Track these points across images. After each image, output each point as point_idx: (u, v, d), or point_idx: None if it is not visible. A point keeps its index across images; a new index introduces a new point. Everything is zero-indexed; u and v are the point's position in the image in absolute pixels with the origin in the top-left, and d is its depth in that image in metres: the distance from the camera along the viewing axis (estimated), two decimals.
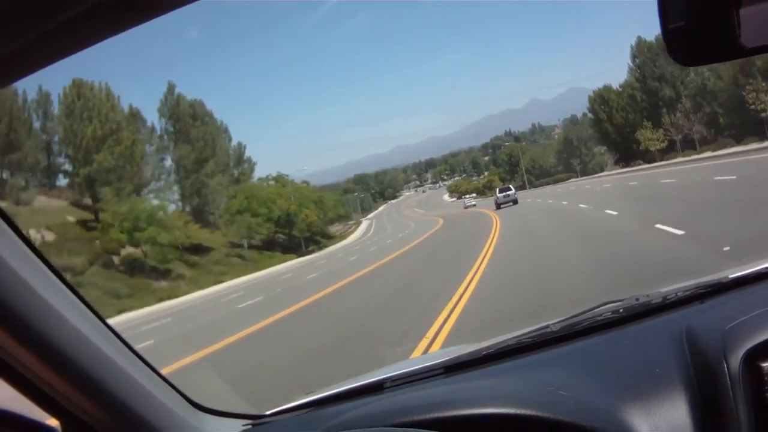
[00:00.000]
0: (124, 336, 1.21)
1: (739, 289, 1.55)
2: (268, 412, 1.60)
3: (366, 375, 1.77)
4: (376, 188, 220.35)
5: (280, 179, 63.39)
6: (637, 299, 1.61)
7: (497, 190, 51.35)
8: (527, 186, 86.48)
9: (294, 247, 55.55)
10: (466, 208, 67.22)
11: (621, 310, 1.60)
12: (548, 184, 78.67)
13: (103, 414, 1.11)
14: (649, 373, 1.22)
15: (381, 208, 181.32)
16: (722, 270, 1.70)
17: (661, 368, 1.22)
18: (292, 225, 56.56)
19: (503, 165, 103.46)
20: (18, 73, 0.86)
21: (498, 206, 42.64)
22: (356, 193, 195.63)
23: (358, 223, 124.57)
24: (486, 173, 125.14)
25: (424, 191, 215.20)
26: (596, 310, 1.63)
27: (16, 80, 0.89)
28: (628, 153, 61.28)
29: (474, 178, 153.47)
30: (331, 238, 72.94)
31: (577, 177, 71.79)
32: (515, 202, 42.22)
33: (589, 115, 71.88)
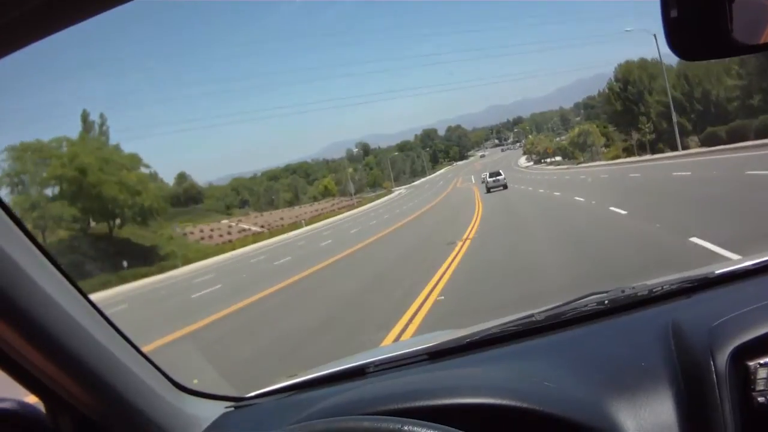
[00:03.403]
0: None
1: (725, 285, 1.48)
2: (249, 395, 1.53)
3: (349, 359, 1.72)
4: (441, 147, 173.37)
5: None
6: (623, 291, 1.55)
7: (487, 174, 46.46)
8: (679, 145, 34.56)
9: None
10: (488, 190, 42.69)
11: (606, 302, 1.53)
12: None
13: (84, 392, 1.07)
14: (635, 366, 1.18)
15: (437, 173, 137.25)
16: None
17: (646, 362, 1.18)
18: None
19: (612, 103, 49.55)
20: (9, 47, 0.82)
21: (488, 190, 40.74)
22: (409, 153, 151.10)
23: (389, 192, 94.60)
24: (576, 127, 71.27)
25: (503, 150, 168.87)
26: (581, 300, 1.56)
27: (7, 54, 0.84)
28: None
29: (560, 137, 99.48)
30: None
31: None
32: (505, 186, 39.84)
33: None
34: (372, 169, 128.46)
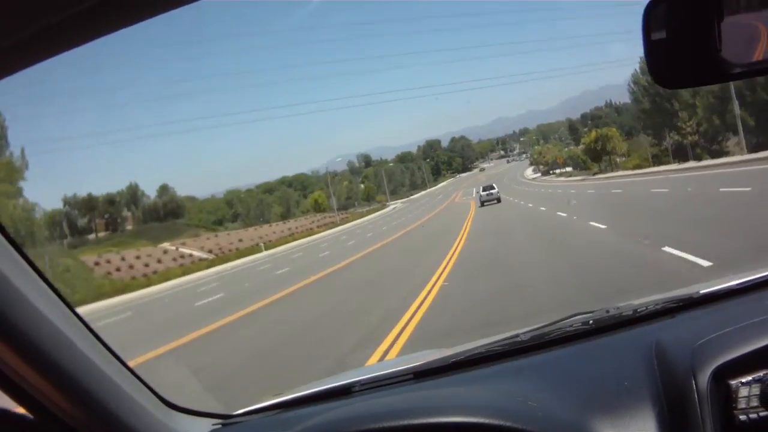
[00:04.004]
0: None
1: (710, 305, 1.48)
2: (237, 413, 1.53)
3: (335, 377, 1.72)
4: (444, 158, 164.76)
5: None
6: (608, 311, 1.54)
7: (481, 187, 43.50)
8: (744, 146, 25.11)
9: None
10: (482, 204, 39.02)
11: (591, 322, 1.52)
12: None
13: (73, 407, 1.06)
14: (618, 386, 1.17)
15: (438, 186, 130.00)
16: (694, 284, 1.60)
17: (629, 382, 1.17)
18: None
19: (639, 99, 39.91)
20: (18, 66, 0.83)
21: (482, 203, 38.16)
22: (409, 165, 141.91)
23: (382, 207, 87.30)
24: (593, 131, 60.82)
25: (508, 161, 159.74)
26: (566, 321, 1.56)
27: (14, 72, 0.85)
28: None
29: (570, 147, 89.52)
30: None
31: None
32: (498, 200, 37.72)
33: None
34: (369, 182, 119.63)
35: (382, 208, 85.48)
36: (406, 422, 1.11)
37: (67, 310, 1.08)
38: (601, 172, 53.14)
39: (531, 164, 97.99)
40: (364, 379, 1.53)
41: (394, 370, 1.55)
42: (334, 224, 61.69)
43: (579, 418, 1.10)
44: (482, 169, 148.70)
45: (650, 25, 0.81)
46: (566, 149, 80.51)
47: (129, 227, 67.78)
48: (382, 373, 1.55)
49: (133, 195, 76.04)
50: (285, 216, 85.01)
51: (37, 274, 1.02)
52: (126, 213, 72.37)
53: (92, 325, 1.19)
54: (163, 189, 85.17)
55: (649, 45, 0.81)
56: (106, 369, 1.10)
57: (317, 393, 1.53)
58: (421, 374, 1.50)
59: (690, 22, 0.79)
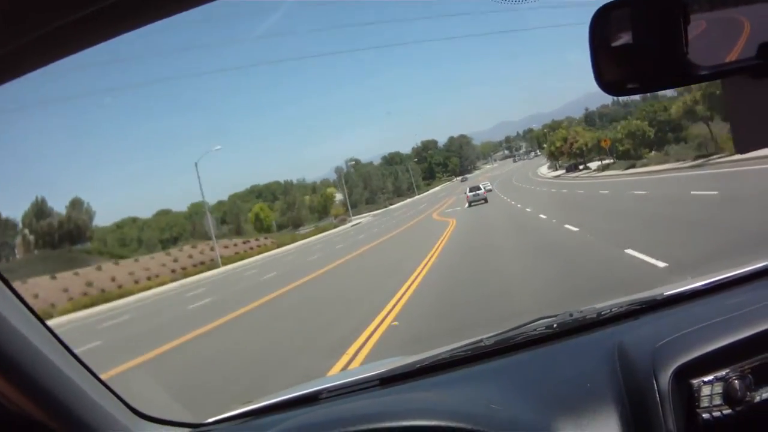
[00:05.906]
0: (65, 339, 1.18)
1: (673, 306, 1.49)
2: (206, 421, 1.54)
3: (303, 385, 1.72)
4: (439, 159, 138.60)
5: None
6: (571, 315, 1.55)
7: (468, 188, 40.77)
8: None
9: None
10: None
11: (555, 325, 1.53)
12: None
13: (44, 417, 1.08)
14: (581, 388, 1.18)
15: (429, 192, 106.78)
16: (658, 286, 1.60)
17: (592, 384, 1.19)
18: None
19: None
20: (15, 72, 0.84)
21: (469, 204, 36.26)
22: (392, 168, 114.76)
23: (342, 222, 65.97)
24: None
25: (515, 161, 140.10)
26: (530, 325, 1.57)
27: (11, 79, 0.85)
28: None
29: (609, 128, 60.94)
30: None
31: None
32: (485, 200, 35.62)
33: None
34: (338, 190, 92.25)
35: (341, 224, 58.71)
36: (371, 426, 1.11)
37: (38, 323, 1.09)
38: (708, 154, 26.04)
39: (549, 157, 69.53)
40: (331, 386, 1.53)
41: (360, 376, 1.55)
42: (214, 264, 34.11)
43: (542, 421, 1.09)
44: (464, 179, 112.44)
45: (602, 31, 0.76)
46: (622, 122, 51.14)
47: (19, 256, 49.58)
48: (349, 380, 1.55)
49: (38, 214, 55.02)
50: (237, 232, 66.33)
51: (10, 290, 1.04)
52: (17, 238, 52.64)
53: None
54: (74, 204, 60.58)
55: (602, 51, 0.76)
56: (75, 378, 1.10)
57: (286, 400, 1.53)
58: (387, 380, 1.50)
59: (656, 24, 0.74)
